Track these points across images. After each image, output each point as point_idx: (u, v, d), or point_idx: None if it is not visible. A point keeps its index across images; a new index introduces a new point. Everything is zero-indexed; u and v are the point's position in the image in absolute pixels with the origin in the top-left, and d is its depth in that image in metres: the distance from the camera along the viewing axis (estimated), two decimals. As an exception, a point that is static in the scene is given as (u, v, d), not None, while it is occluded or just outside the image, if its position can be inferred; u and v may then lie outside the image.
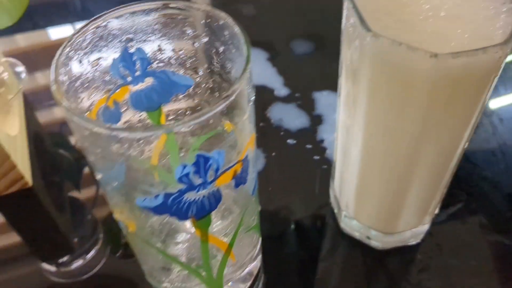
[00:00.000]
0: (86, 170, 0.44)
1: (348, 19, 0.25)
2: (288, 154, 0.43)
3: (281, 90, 0.47)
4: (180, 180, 0.22)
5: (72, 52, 0.23)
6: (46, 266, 0.38)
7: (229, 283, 0.32)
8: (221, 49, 0.23)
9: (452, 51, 0.21)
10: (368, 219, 0.34)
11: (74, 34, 0.23)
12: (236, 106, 0.21)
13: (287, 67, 0.50)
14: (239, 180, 0.24)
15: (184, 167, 0.21)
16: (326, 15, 0.56)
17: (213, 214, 0.25)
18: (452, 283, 0.35)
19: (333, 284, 0.35)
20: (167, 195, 0.22)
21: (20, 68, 0.43)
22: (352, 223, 0.36)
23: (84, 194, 0.42)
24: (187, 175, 0.21)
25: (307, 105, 0.46)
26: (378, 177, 0.30)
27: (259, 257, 0.35)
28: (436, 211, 0.35)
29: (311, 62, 0.51)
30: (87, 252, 0.38)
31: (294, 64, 0.51)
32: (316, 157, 0.42)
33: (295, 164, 0.42)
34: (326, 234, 0.38)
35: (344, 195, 0.35)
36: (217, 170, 0.22)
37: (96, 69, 0.25)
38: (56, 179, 0.44)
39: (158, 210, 0.23)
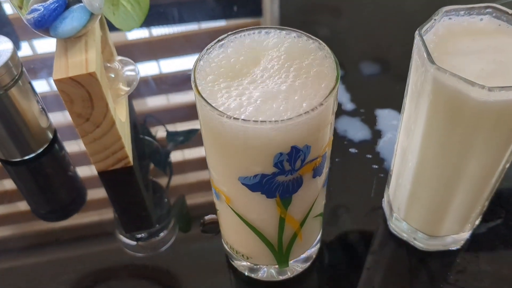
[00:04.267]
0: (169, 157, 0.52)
1: (417, 51, 0.32)
2: (349, 161, 0.49)
3: (347, 104, 0.54)
4: (276, 165, 0.29)
5: (203, 62, 0.30)
6: (126, 240, 0.45)
7: (292, 261, 0.39)
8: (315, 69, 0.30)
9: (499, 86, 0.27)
10: (416, 222, 0.40)
11: (205, 50, 0.30)
12: (326, 113, 0.28)
13: (354, 85, 0.56)
14: (316, 172, 0.31)
15: (281, 154, 0.28)
16: (393, 42, 0.63)
17: (293, 197, 0.32)
18: (485, 287, 0.40)
19: (379, 276, 0.41)
20: (263, 176, 0.29)
21: (133, 67, 0.52)
22: (401, 224, 0.42)
23: (162, 179, 0.50)
24: (281, 161, 0.28)
25: (370, 120, 0.52)
26: (429, 185, 0.36)
27: (318, 244, 0.41)
28: (477, 222, 0.41)
29: (377, 83, 0.58)
30: (161, 230, 0.46)
31: (361, 83, 0.57)
32: (375, 166, 0.48)
33: (355, 170, 0.48)
34: (377, 233, 0.44)
35: (397, 199, 0.41)
36: (303, 160, 0.29)
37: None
38: (146, 162, 0.52)
39: (254, 187, 0.30)
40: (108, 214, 0.48)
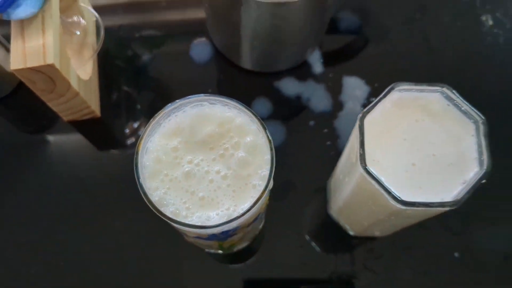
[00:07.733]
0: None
1: (355, 134, 0.33)
2: (306, 135, 0.52)
3: (316, 66, 0.54)
4: (208, 238, 0.33)
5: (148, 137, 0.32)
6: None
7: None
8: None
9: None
10: (346, 222, 0.46)
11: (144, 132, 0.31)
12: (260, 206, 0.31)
13: (329, 43, 0.55)
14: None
15: (214, 235, 0.32)
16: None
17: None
18: (393, 268, 0.47)
19: (310, 252, 0.48)
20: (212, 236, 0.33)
21: (98, 19, 0.48)
22: (335, 215, 0.47)
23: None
24: (214, 235, 0.32)
25: (335, 89, 0.53)
26: (353, 212, 0.41)
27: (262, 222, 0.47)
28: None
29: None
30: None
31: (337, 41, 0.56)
32: (328, 143, 0.50)
33: (310, 146, 0.51)
34: (316, 209, 0.49)
35: (333, 200, 0.45)
36: (235, 230, 0.33)
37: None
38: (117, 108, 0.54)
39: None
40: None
